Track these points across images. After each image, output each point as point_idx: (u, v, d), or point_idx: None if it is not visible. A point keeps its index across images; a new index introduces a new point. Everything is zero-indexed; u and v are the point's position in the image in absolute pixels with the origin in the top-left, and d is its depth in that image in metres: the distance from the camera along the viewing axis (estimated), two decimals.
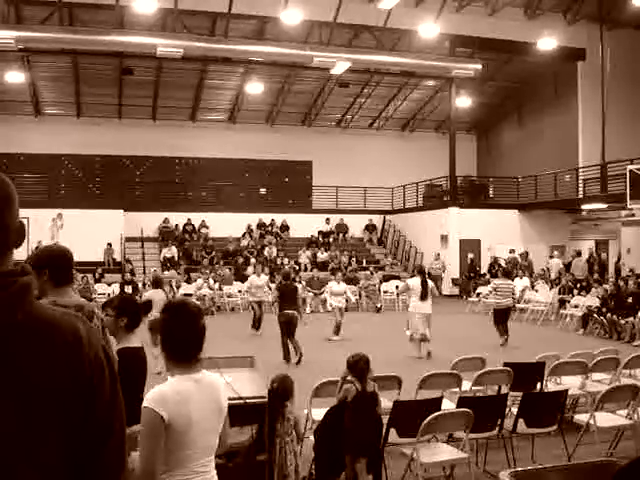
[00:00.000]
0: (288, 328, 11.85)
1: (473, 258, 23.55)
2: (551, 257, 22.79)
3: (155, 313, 10.70)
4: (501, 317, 14.00)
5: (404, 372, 6.90)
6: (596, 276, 19.26)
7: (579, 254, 21.59)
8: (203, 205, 27.35)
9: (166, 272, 20.54)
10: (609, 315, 15.03)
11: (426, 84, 28.44)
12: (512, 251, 22.90)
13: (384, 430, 5.38)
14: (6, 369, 1.31)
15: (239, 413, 4.30)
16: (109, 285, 20.26)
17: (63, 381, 1.35)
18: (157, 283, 11.65)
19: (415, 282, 12.58)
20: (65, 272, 3.74)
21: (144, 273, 21.97)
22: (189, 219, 26.14)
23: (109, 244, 23.26)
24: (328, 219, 27.73)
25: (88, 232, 21.90)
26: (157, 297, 10.67)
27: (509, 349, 12.91)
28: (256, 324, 15.31)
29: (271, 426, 4.86)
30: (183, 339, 2.73)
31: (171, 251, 23.75)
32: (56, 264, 3.66)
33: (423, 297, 12.28)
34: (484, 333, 14.78)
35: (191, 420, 2.61)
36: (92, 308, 3.81)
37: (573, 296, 17.74)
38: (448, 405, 6.20)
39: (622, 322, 14.61)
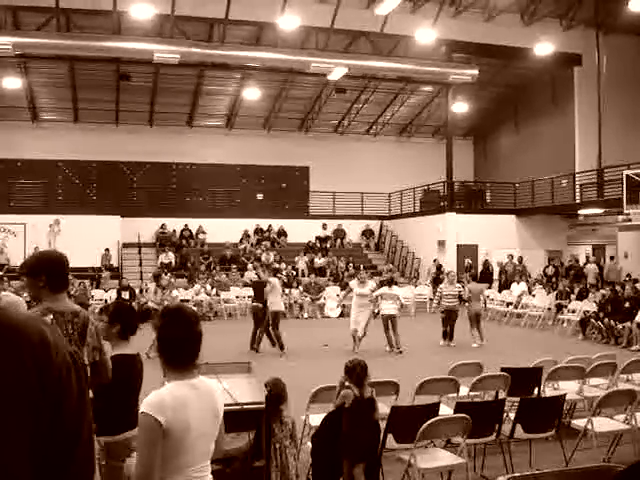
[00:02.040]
0: (256, 319, 13.47)
1: (441, 265, 23.50)
2: (587, 263, 22.72)
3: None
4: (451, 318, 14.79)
5: (401, 377, 6.90)
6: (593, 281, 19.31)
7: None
8: (200, 211, 27.33)
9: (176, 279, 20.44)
10: (606, 320, 15.04)
11: (423, 89, 28.50)
12: (510, 256, 22.90)
13: (382, 435, 5.37)
14: None
15: (236, 419, 4.29)
16: (106, 291, 20.25)
17: (30, 384, 1.31)
18: (157, 278, 13.68)
19: (353, 283, 14.10)
20: (62, 278, 3.73)
21: (141, 279, 21.93)
22: (186, 225, 26.11)
23: (106, 250, 23.24)
24: (325, 224, 27.72)
25: (85, 238, 21.88)
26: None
27: (507, 354, 12.88)
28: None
29: (269, 430, 4.85)
30: (180, 344, 2.73)
31: (168, 257, 23.72)
32: (54, 270, 3.65)
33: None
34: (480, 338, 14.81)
35: (189, 426, 2.60)
36: (87, 315, 3.81)
37: (570, 301, 17.75)
38: (445, 410, 6.19)
39: (619, 327, 14.62)
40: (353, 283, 14.11)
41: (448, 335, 14.53)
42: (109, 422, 3.84)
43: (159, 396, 2.63)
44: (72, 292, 18.78)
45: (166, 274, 19.68)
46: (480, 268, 23.29)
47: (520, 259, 22.92)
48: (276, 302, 13.34)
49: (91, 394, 3.96)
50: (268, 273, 14.79)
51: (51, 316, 3.57)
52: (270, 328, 13.37)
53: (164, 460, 2.57)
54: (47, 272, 3.60)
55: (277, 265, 22.97)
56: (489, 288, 21.92)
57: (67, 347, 1.43)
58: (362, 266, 25.46)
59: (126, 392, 3.84)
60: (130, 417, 3.57)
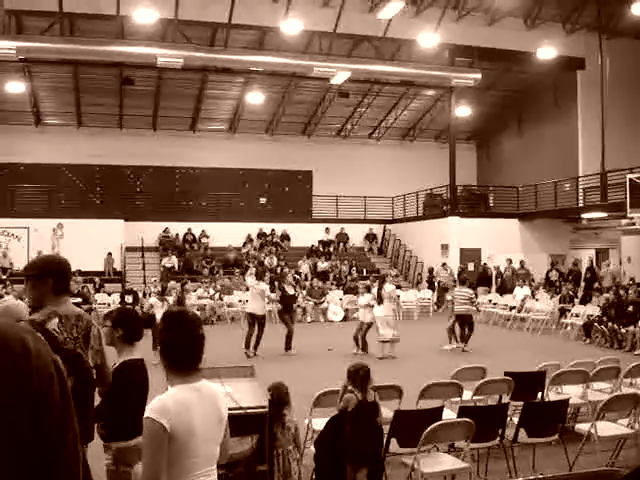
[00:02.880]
0: (283, 322, 14.21)
1: (432, 268, 23.52)
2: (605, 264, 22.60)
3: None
4: (461, 322, 14.63)
5: (405, 382, 6.89)
6: (596, 285, 19.27)
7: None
8: (203, 215, 27.36)
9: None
10: (610, 324, 15.01)
11: (426, 94, 28.52)
12: (509, 261, 22.82)
13: (385, 440, 5.37)
14: None
15: (239, 423, 4.29)
16: (109, 295, 20.23)
17: (10, 393, 1.28)
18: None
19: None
20: (67, 282, 3.77)
21: (144, 283, 21.93)
22: (189, 229, 26.13)
23: (109, 254, 23.25)
24: (328, 228, 27.73)
25: (88, 242, 21.93)
26: None
27: (511, 358, 12.82)
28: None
29: (272, 435, 4.85)
30: (182, 348, 2.73)
31: (171, 261, 23.74)
32: (60, 274, 3.69)
33: (379, 302, 13.53)
34: (483, 341, 14.79)
35: (193, 429, 2.60)
36: (89, 318, 3.83)
37: (574, 305, 17.71)
38: (449, 415, 6.19)
39: (623, 331, 14.58)
40: (392, 286, 14.01)
41: (463, 339, 14.51)
42: (121, 427, 3.85)
43: (162, 400, 2.63)
44: (88, 297, 18.79)
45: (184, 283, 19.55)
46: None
47: (522, 263, 22.86)
48: (252, 305, 13.83)
49: (99, 398, 3.97)
50: (264, 278, 14.90)
51: (57, 319, 3.58)
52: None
53: (169, 464, 2.57)
54: (53, 275, 3.62)
55: (279, 270, 22.89)
56: (488, 292, 21.90)
57: (51, 355, 1.40)
58: (365, 270, 25.53)
59: (137, 397, 3.85)
60: (141, 422, 3.59)
